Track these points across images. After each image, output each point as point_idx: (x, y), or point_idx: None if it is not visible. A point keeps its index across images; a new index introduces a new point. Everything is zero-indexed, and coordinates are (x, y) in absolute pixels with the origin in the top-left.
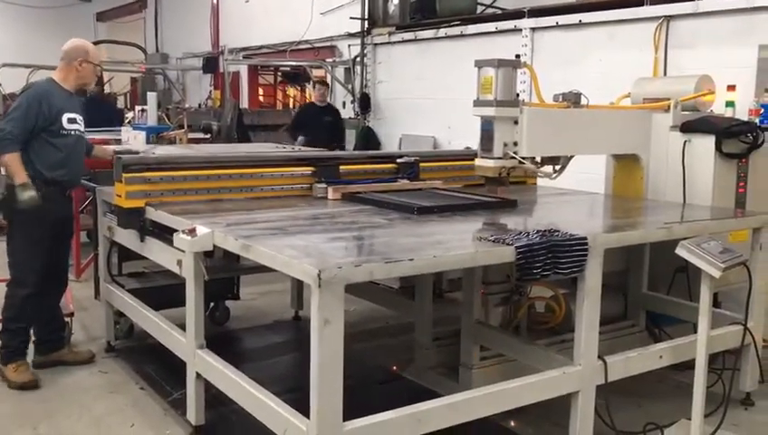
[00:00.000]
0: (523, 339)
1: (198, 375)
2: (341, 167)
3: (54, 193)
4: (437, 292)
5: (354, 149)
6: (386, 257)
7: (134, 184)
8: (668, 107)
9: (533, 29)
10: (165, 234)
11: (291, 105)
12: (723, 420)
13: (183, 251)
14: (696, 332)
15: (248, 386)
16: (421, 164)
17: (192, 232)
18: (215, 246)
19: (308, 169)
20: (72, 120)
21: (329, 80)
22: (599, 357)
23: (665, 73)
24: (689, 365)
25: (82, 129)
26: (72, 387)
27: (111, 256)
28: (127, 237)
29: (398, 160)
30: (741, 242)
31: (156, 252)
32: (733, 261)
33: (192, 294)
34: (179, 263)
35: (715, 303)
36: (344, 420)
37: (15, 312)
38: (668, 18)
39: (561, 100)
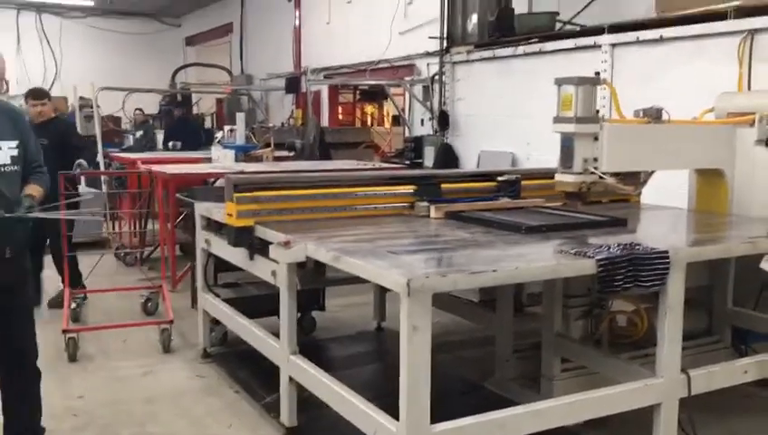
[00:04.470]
0: (605, 352)
1: (291, 379)
2: (443, 185)
3: None
4: (517, 306)
5: (433, 166)
6: (470, 269)
7: (244, 204)
8: (753, 121)
9: (613, 45)
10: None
11: (369, 123)
12: None
13: (277, 262)
14: None
15: (340, 389)
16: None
17: (287, 244)
18: (307, 258)
19: (410, 188)
20: None
21: (407, 97)
22: (682, 370)
23: (749, 88)
24: None
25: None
26: (172, 390)
27: (208, 267)
28: (223, 250)
29: (499, 178)
30: None
31: (252, 263)
32: None
33: (286, 302)
34: (273, 273)
35: None
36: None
37: None
38: (753, 32)
39: (641, 115)
